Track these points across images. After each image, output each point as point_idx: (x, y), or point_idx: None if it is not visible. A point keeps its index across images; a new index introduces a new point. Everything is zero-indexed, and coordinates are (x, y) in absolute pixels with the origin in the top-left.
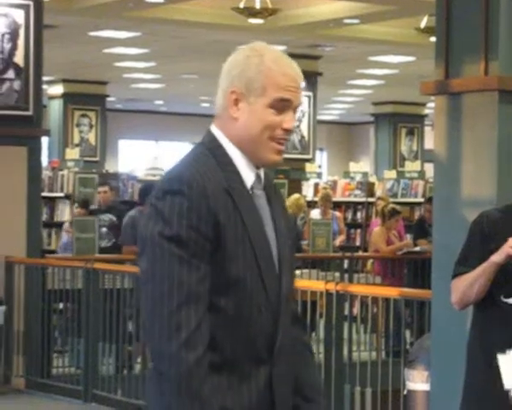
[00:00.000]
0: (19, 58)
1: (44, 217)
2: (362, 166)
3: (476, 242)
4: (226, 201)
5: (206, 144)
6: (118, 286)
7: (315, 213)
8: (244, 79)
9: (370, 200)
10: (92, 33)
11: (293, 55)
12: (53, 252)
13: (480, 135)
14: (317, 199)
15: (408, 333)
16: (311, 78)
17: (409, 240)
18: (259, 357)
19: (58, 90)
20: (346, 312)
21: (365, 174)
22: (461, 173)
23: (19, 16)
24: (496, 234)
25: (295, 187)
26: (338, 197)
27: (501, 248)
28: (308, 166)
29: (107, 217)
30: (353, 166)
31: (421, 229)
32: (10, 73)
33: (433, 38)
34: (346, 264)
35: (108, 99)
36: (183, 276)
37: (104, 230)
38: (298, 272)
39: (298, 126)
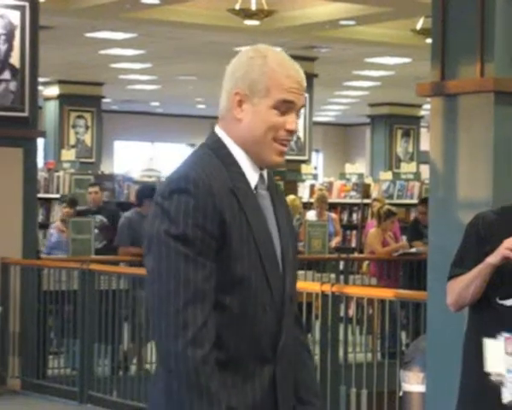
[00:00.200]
0: (14, 59)
1: (40, 218)
2: (358, 168)
3: (472, 243)
4: (231, 200)
5: (210, 145)
6: (113, 287)
7: (311, 215)
8: (248, 81)
9: (366, 201)
10: (88, 34)
11: None
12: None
13: (476, 136)
14: (312, 200)
15: (404, 335)
16: (307, 79)
17: (404, 241)
18: (264, 356)
19: (54, 91)
20: (342, 313)
21: (361, 176)
22: (457, 175)
23: (14, 17)
24: (491, 236)
25: (291, 188)
26: (334, 199)
27: (497, 249)
28: (304, 168)
29: (98, 218)
30: (349, 168)
31: (415, 230)
32: (6, 74)
33: (429, 40)
34: (341, 265)
35: (104, 100)
36: (189, 274)
37: (95, 231)
38: None
39: None
